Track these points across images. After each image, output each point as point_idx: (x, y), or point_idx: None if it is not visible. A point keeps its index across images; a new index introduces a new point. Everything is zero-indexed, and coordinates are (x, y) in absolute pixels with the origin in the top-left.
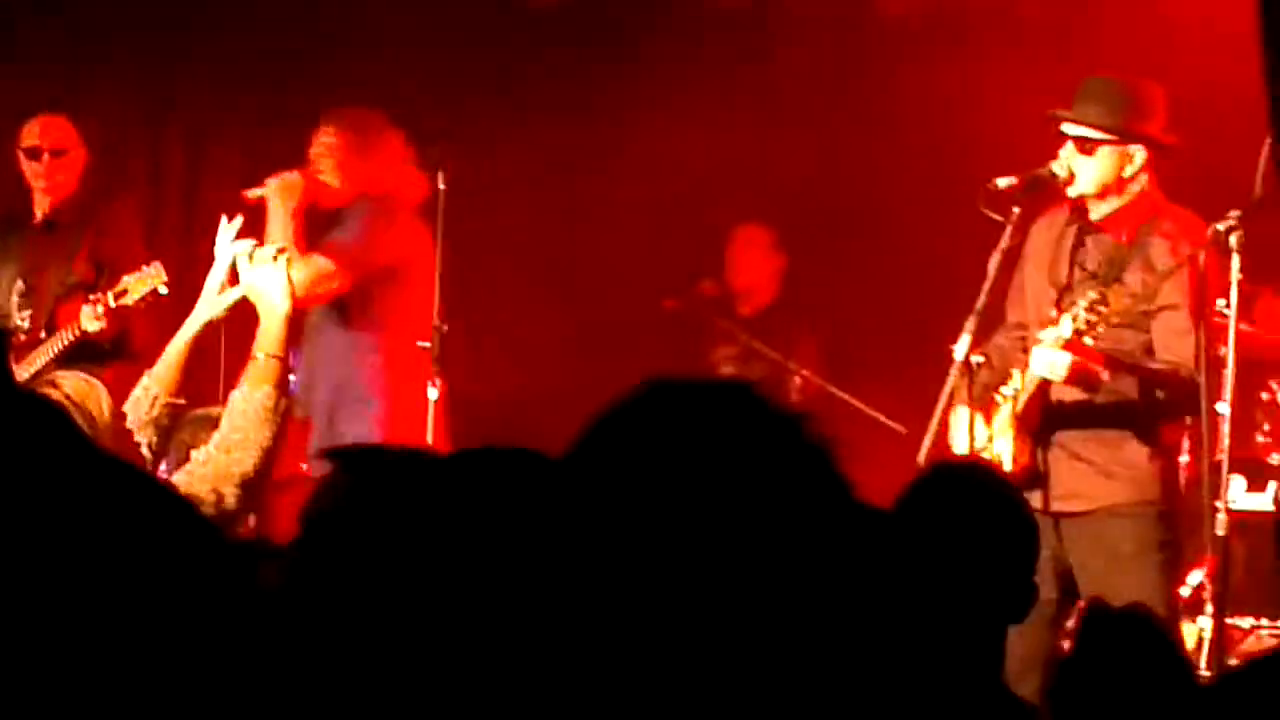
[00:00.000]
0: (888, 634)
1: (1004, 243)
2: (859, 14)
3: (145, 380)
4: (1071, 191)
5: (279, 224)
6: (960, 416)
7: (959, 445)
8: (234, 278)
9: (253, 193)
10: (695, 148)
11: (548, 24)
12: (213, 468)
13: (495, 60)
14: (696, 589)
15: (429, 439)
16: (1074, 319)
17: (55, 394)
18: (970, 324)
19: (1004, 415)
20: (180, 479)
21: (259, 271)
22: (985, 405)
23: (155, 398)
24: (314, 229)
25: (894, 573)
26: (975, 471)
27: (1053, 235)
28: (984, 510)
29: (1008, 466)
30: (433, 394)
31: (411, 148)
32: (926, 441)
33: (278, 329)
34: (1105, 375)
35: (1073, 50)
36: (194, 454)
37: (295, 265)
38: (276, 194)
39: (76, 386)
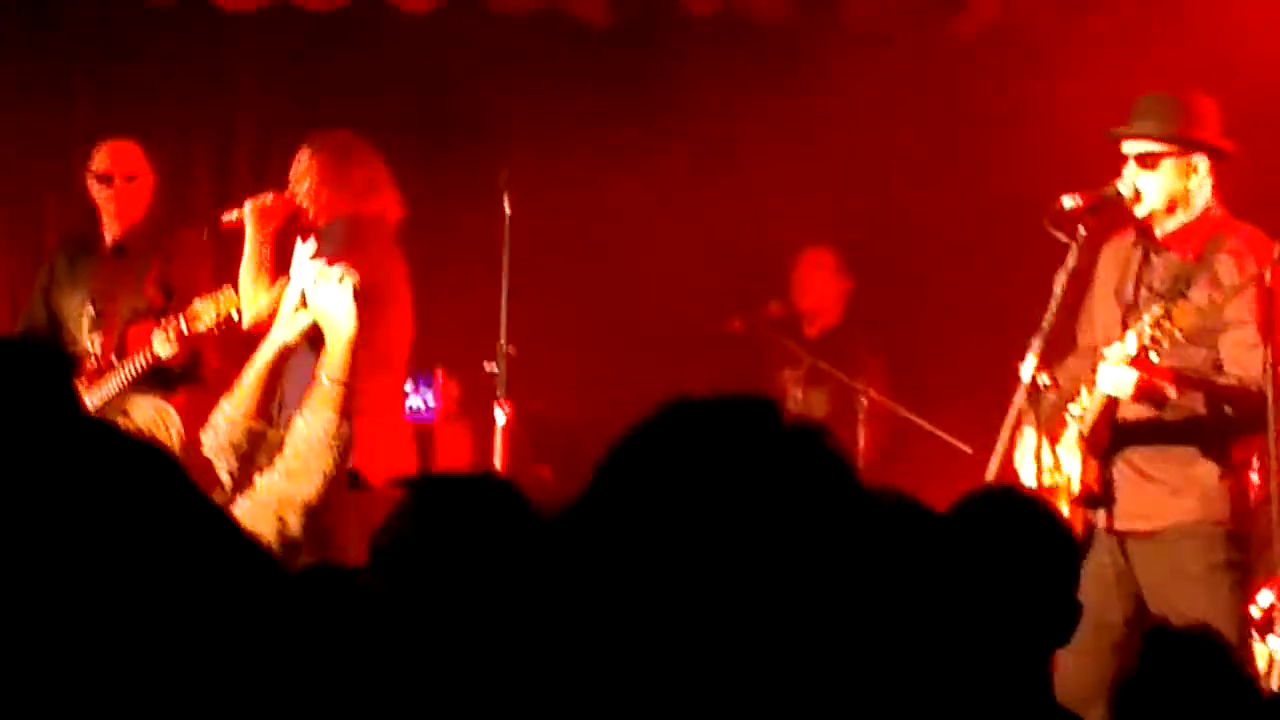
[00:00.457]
0: (919, 648)
1: (1070, 262)
2: (926, 32)
3: (223, 405)
4: (1139, 210)
5: (253, 247)
6: (1027, 438)
7: (1025, 467)
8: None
9: (229, 216)
10: (760, 169)
11: (609, 46)
12: (276, 494)
13: (558, 83)
14: (721, 608)
15: (495, 462)
16: (1139, 335)
17: (126, 422)
18: (1036, 344)
19: (1071, 435)
20: (244, 505)
21: (323, 293)
22: (1053, 426)
23: (234, 422)
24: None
25: (929, 589)
26: (1011, 494)
27: (1120, 257)
28: (1023, 531)
29: (1075, 487)
30: (500, 417)
31: (389, 170)
32: (994, 462)
33: (342, 353)
34: (1172, 392)
35: (1141, 66)
36: (257, 480)
37: (264, 290)
38: (252, 217)
39: (147, 415)
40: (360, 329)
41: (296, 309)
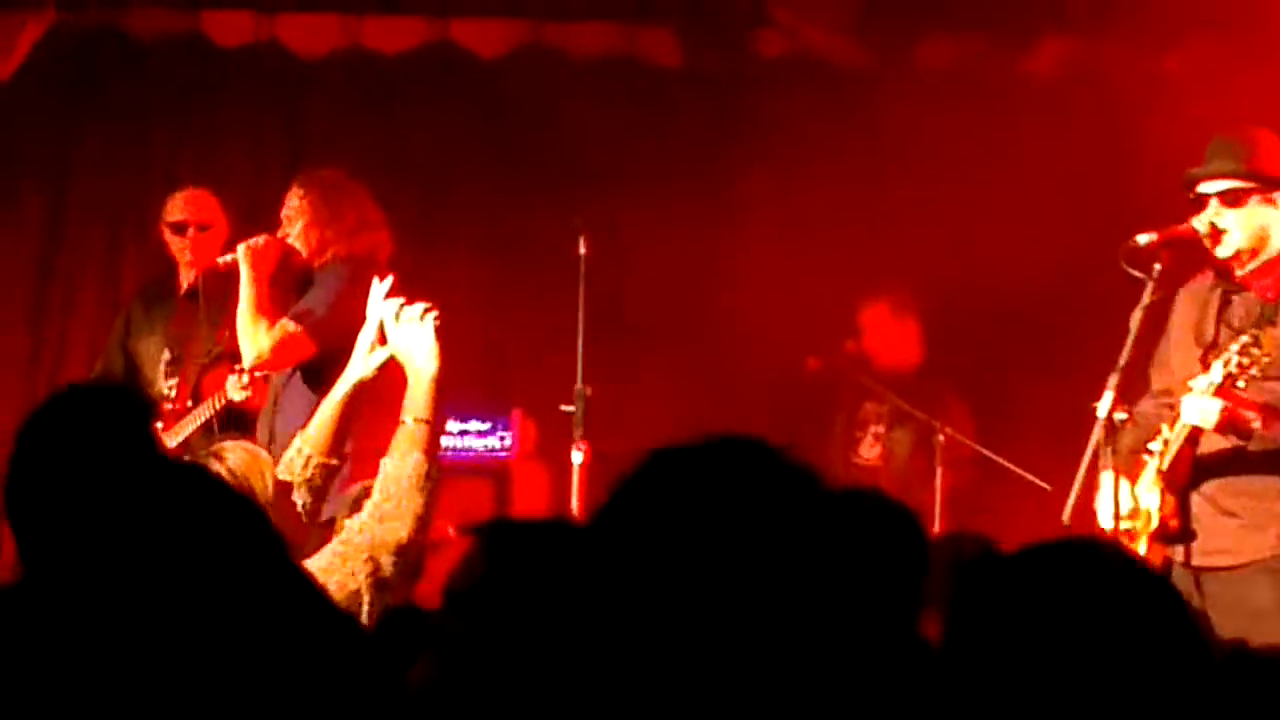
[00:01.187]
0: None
1: (1145, 299)
2: (999, 73)
3: (298, 442)
4: (1221, 250)
5: (250, 289)
6: (1104, 481)
7: (1103, 509)
8: (383, 338)
9: (224, 259)
10: (833, 209)
11: (680, 88)
12: (368, 537)
13: (630, 125)
14: (713, 636)
15: (572, 503)
16: (1225, 364)
17: (219, 466)
18: (1113, 381)
19: (1150, 471)
20: (336, 549)
21: (405, 331)
22: (1130, 466)
23: (309, 458)
24: (287, 292)
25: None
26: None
27: (1198, 300)
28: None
29: (1154, 522)
30: (577, 457)
31: (379, 208)
32: (1071, 499)
33: (425, 392)
34: (1257, 422)
35: (1215, 106)
36: (348, 523)
37: (263, 331)
38: (246, 259)
39: (240, 459)
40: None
41: (374, 346)
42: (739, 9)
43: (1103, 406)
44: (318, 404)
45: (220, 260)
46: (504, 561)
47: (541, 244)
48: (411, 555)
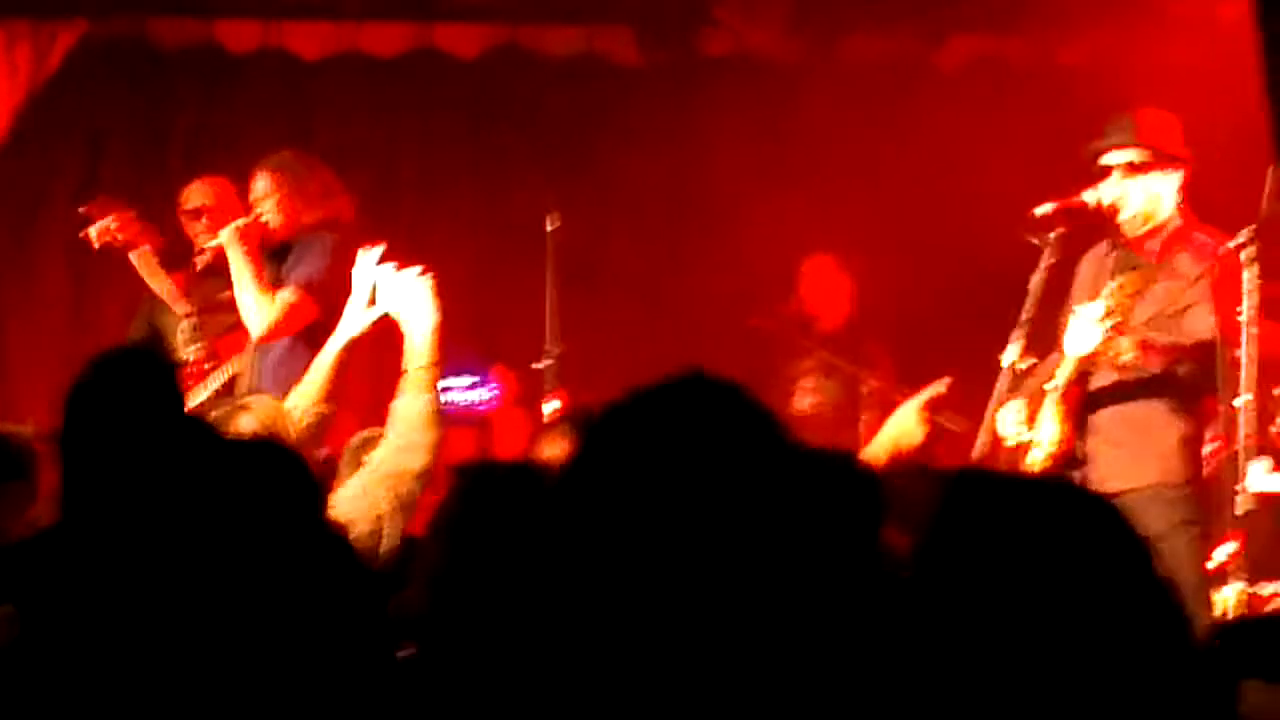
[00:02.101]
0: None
1: (1044, 262)
2: (915, 66)
3: (292, 397)
4: (1120, 217)
5: (243, 267)
6: (1009, 409)
7: (1007, 433)
8: (373, 298)
9: (211, 243)
10: (772, 186)
11: (638, 83)
12: (389, 468)
13: (594, 116)
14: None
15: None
16: (1105, 296)
17: (247, 417)
18: (1016, 335)
19: (1048, 405)
20: (360, 480)
21: (404, 290)
22: (1033, 404)
23: (305, 410)
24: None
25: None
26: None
27: (1095, 265)
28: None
29: (1052, 448)
30: (548, 408)
31: (336, 176)
32: (980, 438)
33: (431, 340)
34: (1131, 354)
35: (1105, 93)
36: (369, 458)
37: (269, 302)
38: (233, 240)
39: (267, 410)
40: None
41: (367, 306)
42: (687, 10)
43: (1008, 356)
44: (306, 362)
45: (208, 244)
46: (480, 498)
47: (518, 220)
48: (432, 480)
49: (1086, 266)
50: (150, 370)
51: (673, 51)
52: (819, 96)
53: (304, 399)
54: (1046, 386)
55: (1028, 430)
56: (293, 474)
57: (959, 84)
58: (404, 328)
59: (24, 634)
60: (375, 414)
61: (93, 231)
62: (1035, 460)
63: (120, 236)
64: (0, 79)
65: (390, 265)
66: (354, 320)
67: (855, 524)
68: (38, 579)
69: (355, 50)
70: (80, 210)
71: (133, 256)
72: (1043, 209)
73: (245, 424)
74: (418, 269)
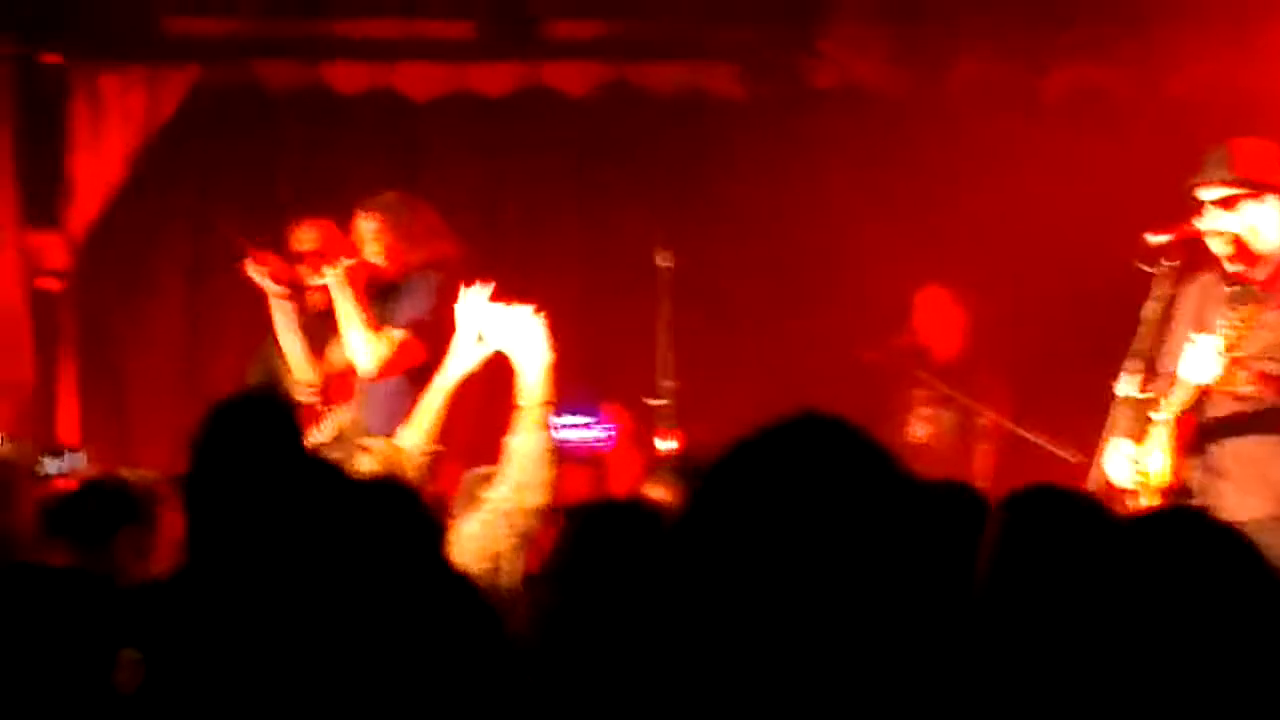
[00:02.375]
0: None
1: (1158, 290)
2: (1023, 96)
3: (402, 434)
4: (1218, 249)
5: (349, 306)
6: (1119, 445)
7: (1115, 469)
8: (480, 337)
9: (316, 281)
10: (885, 220)
11: (744, 118)
12: (511, 505)
13: (701, 150)
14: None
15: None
16: (1225, 326)
17: (368, 459)
18: (1131, 365)
19: (1157, 436)
20: (482, 517)
21: (516, 328)
22: (1139, 434)
23: (418, 448)
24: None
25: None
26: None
27: (1201, 293)
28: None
29: (1159, 481)
30: (662, 445)
31: (440, 218)
32: (1094, 469)
33: (545, 377)
34: (1249, 384)
35: (1211, 122)
36: (488, 495)
37: (379, 341)
38: (343, 280)
39: (384, 451)
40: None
41: (476, 343)
42: (791, 44)
43: (1121, 387)
44: (411, 401)
45: (313, 283)
46: (592, 538)
47: (627, 258)
48: (546, 518)
49: (1193, 295)
50: (272, 414)
51: (778, 85)
52: (925, 127)
53: (414, 438)
54: (1155, 416)
55: (1137, 475)
56: (415, 514)
57: (1064, 113)
58: (516, 365)
59: (149, 679)
60: (478, 453)
61: (253, 273)
62: (1145, 492)
63: (273, 287)
64: (115, 125)
65: (498, 304)
66: (462, 359)
67: (972, 555)
68: (163, 623)
69: (463, 90)
70: (246, 250)
71: (275, 305)
72: (1157, 238)
73: (365, 465)
74: (529, 307)
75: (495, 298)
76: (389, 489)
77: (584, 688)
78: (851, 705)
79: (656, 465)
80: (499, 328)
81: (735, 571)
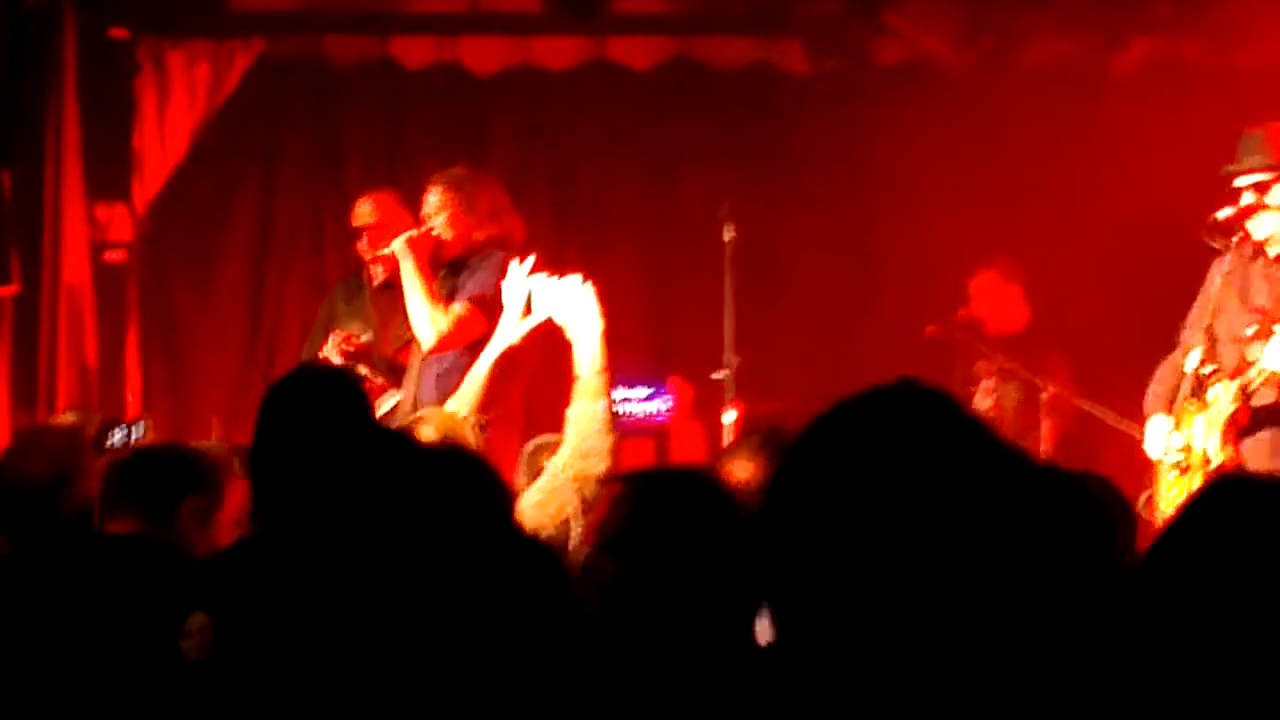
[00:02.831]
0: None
1: (1225, 266)
2: (1096, 70)
3: (449, 404)
4: (1257, 231)
5: (415, 277)
6: (1158, 422)
7: (1154, 446)
8: (528, 308)
9: (382, 251)
10: (946, 196)
11: (809, 93)
12: (575, 472)
13: (766, 126)
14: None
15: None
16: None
17: (427, 428)
18: (1198, 338)
19: (1212, 416)
20: (545, 485)
21: (567, 298)
22: (1180, 412)
23: (465, 418)
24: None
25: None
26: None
27: (1238, 270)
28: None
29: (1213, 463)
30: (728, 418)
31: (507, 195)
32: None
33: (599, 346)
34: None
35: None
36: (550, 463)
37: (441, 314)
38: (404, 252)
39: (443, 420)
40: (515, 347)
41: (522, 316)
42: (858, 20)
43: (1189, 362)
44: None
45: (380, 253)
46: (654, 505)
47: (693, 231)
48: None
49: (1223, 272)
50: (339, 385)
51: (844, 61)
52: (993, 102)
53: (460, 408)
54: (1214, 396)
55: (1181, 456)
56: (483, 480)
57: (1134, 88)
58: (569, 335)
59: (218, 645)
60: (538, 426)
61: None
62: (1192, 477)
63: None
64: (180, 99)
65: (543, 275)
66: (508, 331)
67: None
68: (233, 591)
69: (528, 64)
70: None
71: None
72: (1224, 213)
73: (425, 435)
74: (578, 276)
75: (557, 270)
76: (453, 455)
77: (644, 657)
78: (961, 677)
79: (741, 437)
80: (551, 298)
81: (829, 543)
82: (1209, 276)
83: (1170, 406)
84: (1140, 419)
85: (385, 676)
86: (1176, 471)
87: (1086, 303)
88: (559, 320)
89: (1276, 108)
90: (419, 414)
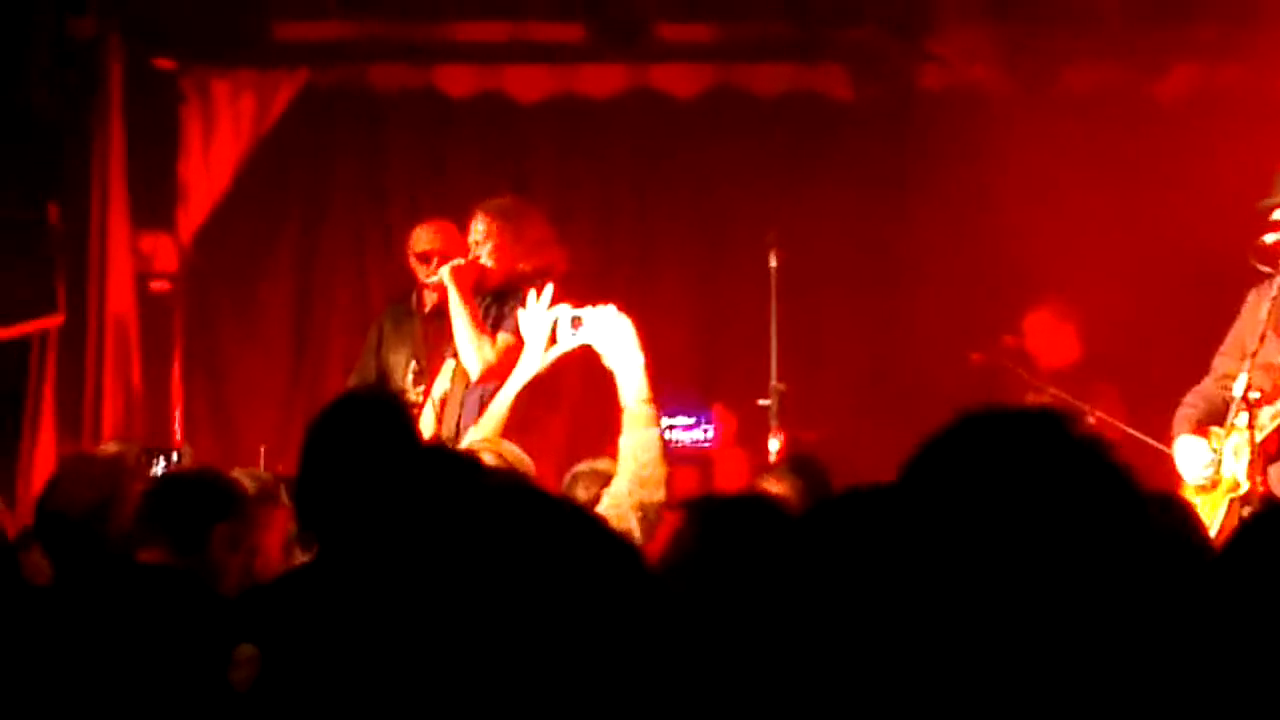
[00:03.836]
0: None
1: (1274, 291)
2: (1139, 96)
3: (472, 432)
4: None
5: (460, 307)
6: (1190, 443)
7: (1187, 467)
8: (553, 338)
9: (431, 279)
10: (993, 217)
11: (852, 120)
12: (638, 499)
13: (810, 151)
14: (1012, 601)
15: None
16: None
17: (497, 458)
18: (1247, 365)
19: (1240, 441)
20: (606, 509)
21: (606, 328)
22: (1216, 434)
23: (478, 445)
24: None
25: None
26: None
27: (1273, 297)
28: None
29: (1241, 488)
30: (774, 445)
31: (552, 226)
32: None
33: (643, 376)
34: None
35: None
36: (611, 490)
37: (487, 344)
38: (452, 280)
39: (509, 450)
40: (554, 377)
41: (546, 348)
42: (901, 46)
43: (1237, 387)
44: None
45: (429, 280)
46: (714, 534)
47: (738, 259)
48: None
49: (1264, 299)
50: (387, 411)
51: (887, 87)
52: (1036, 129)
53: (480, 433)
54: (1234, 425)
55: (1211, 474)
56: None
57: (1177, 114)
58: (609, 365)
59: (266, 675)
60: (575, 457)
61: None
62: (1219, 499)
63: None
64: (225, 129)
65: (566, 307)
66: (532, 361)
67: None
68: (282, 621)
69: (571, 92)
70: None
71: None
72: (1271, 237)
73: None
74: (611, 307)
75: (600, 300)
76: (522, 487)
77: (714, 680)
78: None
79: (774, 463)
80: (586, 330)
81: (947, 562)
82: (1247, 302)
83: (1198, 428)
84: None
85: (434, 706)
86: (1202, 492)
87: (1136, 332)
88: (599, 350)
89: None
90: (482, 441)
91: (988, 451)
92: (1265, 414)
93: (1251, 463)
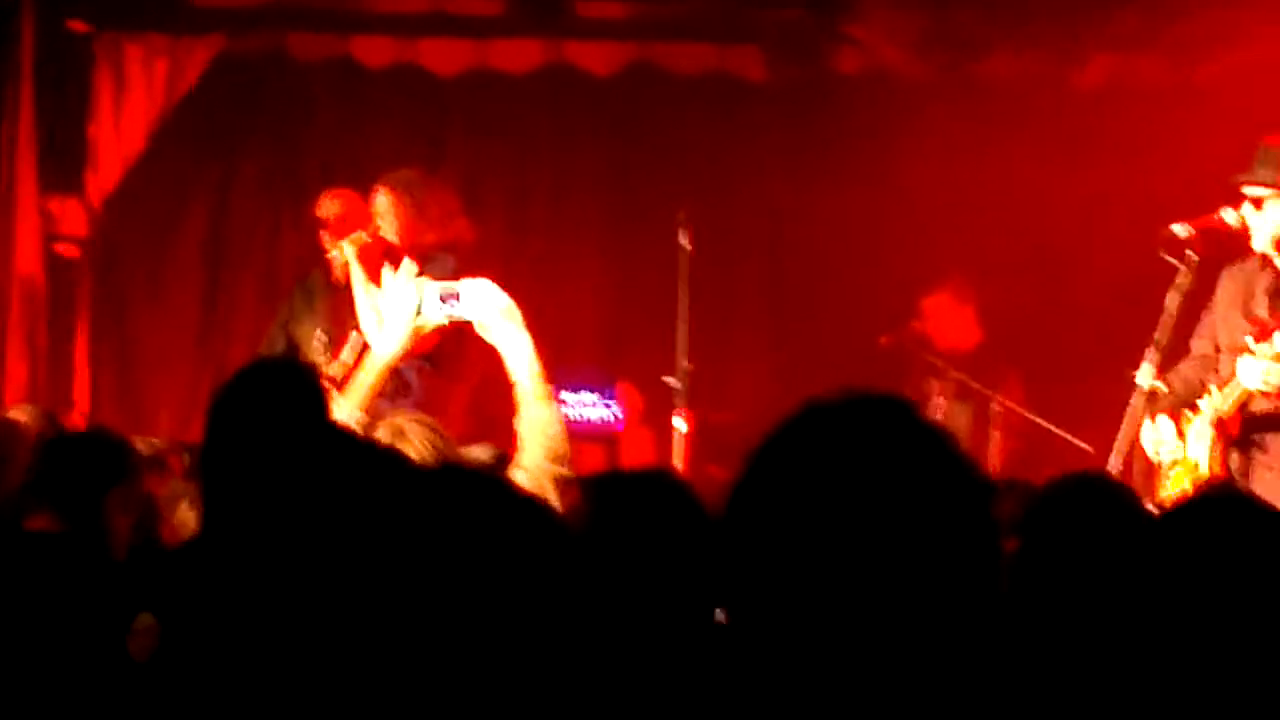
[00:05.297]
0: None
1: (1181, 282)
2: (1056, 85)
3: (340, 402)
4: (1254, 244)
5: (361, 281)
6: (1159, 425)
7: (1158, 453)
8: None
9: (333, 254)
10: (904, 204)
11: (766, 101)
12: (554, 471)
13: (723, 131)
14: (853, 594)
15: (678, 465)
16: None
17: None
18: (1151, 354)
19: (1200, 424)
20: (526, 482)
21: (481, 304)
22: (1174, 419)
23: (352, 416)
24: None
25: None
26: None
27: (1244, 278)
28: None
29: (1201, 470)
30: (679, 424)
31: (458, 198)
32: (1114, 458)
33: (531, 351)
34: None
35: (1238, 114)
36: (526, 461)
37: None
38: (354, 253)
39: (409, 427)
40: (472, 350)
41: (411, 319)
42: (818, 28)
43: (1143, 376)
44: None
45: (333, 255)
46: (609, 508)
47: (649, 238)
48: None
49: (1232, 280)
50: (295, 381)
51: (803, 69)
52: (952, 115)
53: (350, 405)
54: (1198, 406)
55: (1173, 456)
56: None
57: (1092, 103)
58: (491, 340)
59: (164, 645)
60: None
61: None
62: (1179, 481)
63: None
64: (138, 93)
65: (436, 283)
66: (395, 335)
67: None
68: (180, 591)
69: (488, 67)
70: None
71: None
72: (1180, 229)
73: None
74: (485, 280)
75: (512, 275)
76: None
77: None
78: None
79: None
80: (470, 305)
81: (787, 553)
82: (1220, 284)
83: (1171, 411)
84: (1089, 435)
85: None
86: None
87: (1043, 317)
88: (475, 325)
89: (1234, 125)
90: (397, 420)
91: (826, 439)
92: (1228, 397)
93: (1212, 445)
